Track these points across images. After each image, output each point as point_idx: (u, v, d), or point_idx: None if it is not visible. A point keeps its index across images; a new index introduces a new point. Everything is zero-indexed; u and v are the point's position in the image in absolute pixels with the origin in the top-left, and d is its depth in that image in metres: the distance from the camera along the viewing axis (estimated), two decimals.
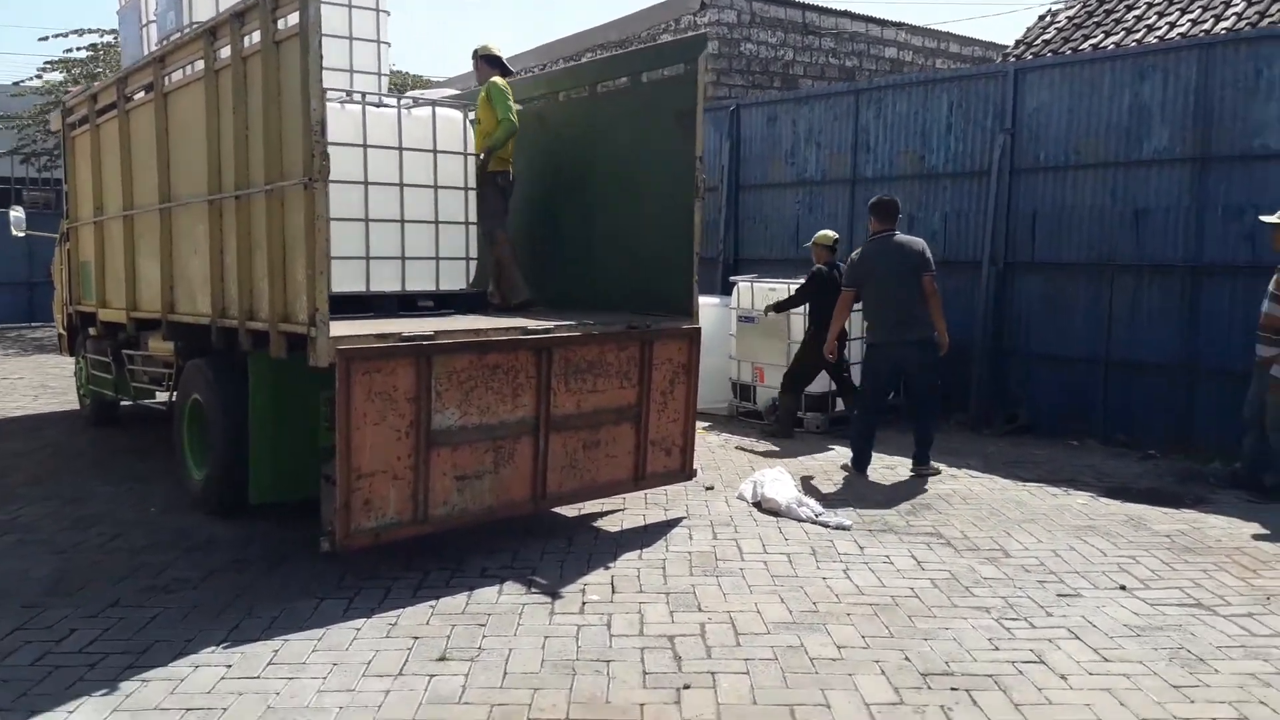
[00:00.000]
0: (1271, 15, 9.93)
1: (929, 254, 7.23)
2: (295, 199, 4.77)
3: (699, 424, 9.06)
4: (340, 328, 4.89)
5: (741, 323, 9.44)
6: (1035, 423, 8.81)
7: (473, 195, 6.62)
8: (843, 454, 7.98)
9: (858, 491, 6.85)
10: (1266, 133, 7.45)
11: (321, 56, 4.52)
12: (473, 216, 6.65)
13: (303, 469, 5.46)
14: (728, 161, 11.42)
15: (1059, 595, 4.84)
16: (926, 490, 6.89)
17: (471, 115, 7.17)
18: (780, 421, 8.72)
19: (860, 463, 7.39)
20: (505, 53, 7.21)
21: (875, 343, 7.35)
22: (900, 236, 7.37)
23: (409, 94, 8.01)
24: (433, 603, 4.73)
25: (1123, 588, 4.94)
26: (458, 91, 8.97)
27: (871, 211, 7.42)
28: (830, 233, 8.74)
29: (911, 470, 7.34)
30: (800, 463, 7.71)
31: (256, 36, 5.06)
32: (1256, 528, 5.96)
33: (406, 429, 4.82)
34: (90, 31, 18.95)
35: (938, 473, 7.32)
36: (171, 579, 5.12)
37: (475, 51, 7.09)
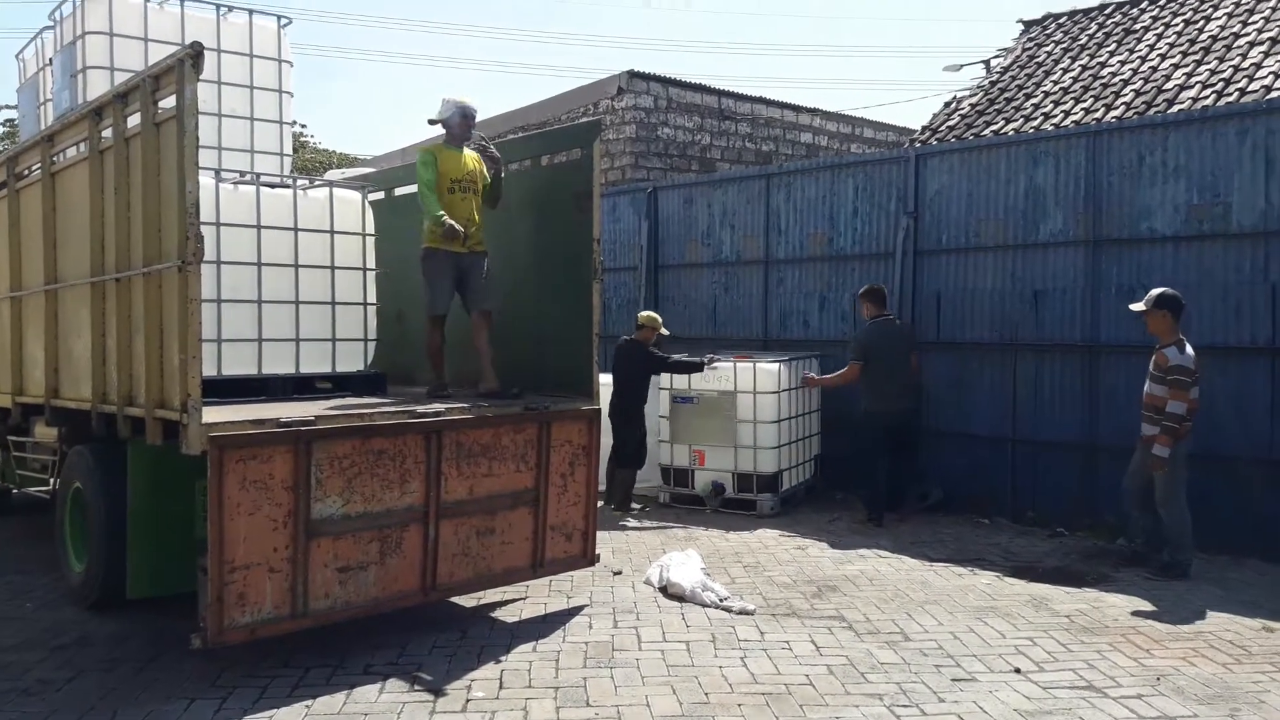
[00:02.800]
0: (1157, 105, 10.39)
1: (916, 337, 8.82)
2: (171, 281, 4.66)
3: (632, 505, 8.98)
4: (217, 413, 4.74)
5: (678, 404, 9.12)
6: (947, 501, 8.85)
7: (371, 276, 6.55)
8: (766, 535, 7.93)
9: (766, 573, 6.78)
10: (1152, 217, 7.72)
11: (198, 139, 4.45)
12: (371, 297, 6.57)
13: (183, 561, 5.25)
14: (646, 242, 11.51)
15: (953, 680, 4.79)
16: (836, 571, 6.84)
17: (375, 195, 7.14)
18: (620, 494, 8.99)
19: (877, 514, 8.45)
20: (429, 133, 7.15)
21: (877, 411, 8.48)
22: (897, 321, 8.78)
23: (330, 173, 7.95)
24: (309, 702, 4.52)
25: (1017, 671, 4.91)
26: (369, 170, 8.95)
27: (867, 299, 8.65)
28: (651, 314, 9.24)
29: (919, 504, 8.70)
30: (714, 544, 7.62)
31: (138, 118, 4.98)
32: (1152, 606, 6.00)
33: (284, 519, 4.65)
34: (9, 107, 18.77)
35: (928, 496, 8.78)
36: (35, 680, 4.85)
37: (470, 107, 6.44)
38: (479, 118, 6.58)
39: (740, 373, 8.81)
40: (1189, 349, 6.60)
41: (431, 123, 6.50)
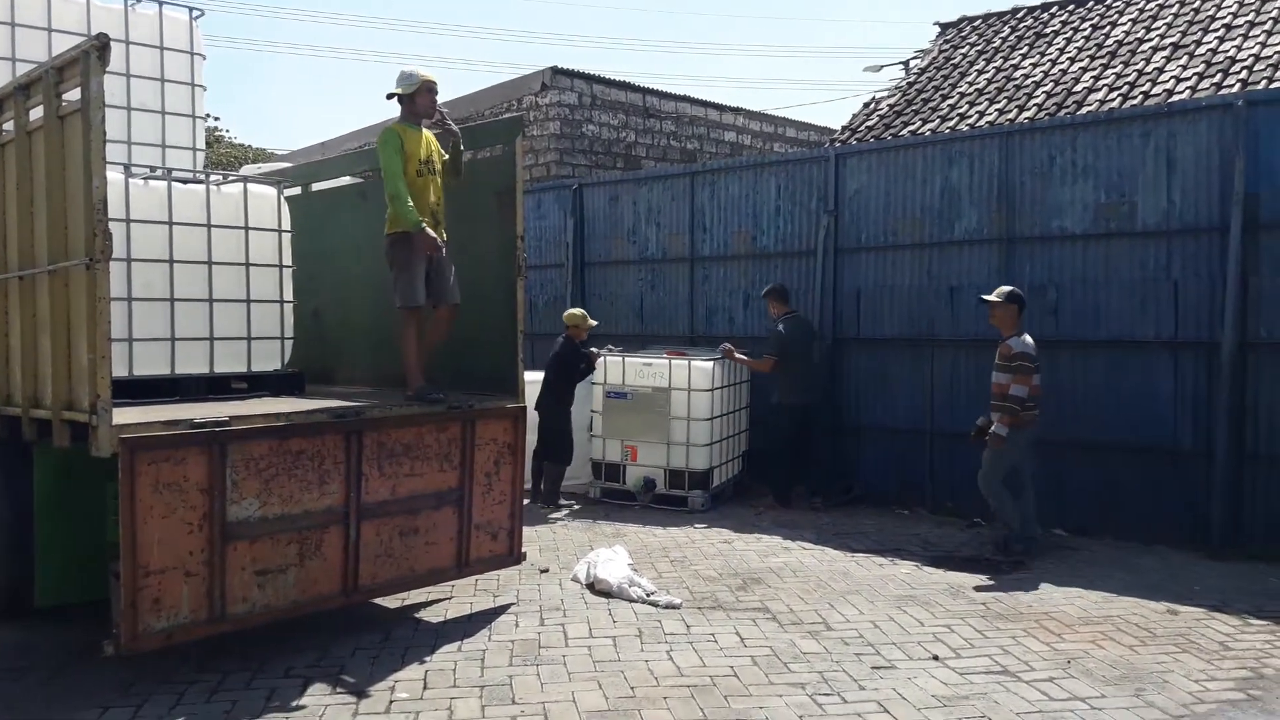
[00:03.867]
0: (1067, 107, 10.73)
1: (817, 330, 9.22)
2: (78, 280, 4.50)
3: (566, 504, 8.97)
4: (128, 414, 4.61)
5: (611, 399, 9.07)
6: (869, 493, 9.02)
7: (287, 273, 6.40)
8: (693, 530, 7.98)
9: (693, 567, 6.83)
10: (1063, 215, 7.96)
11: (105, 133, 4.31)
12: (288, 295, 6.42)
13: (93, 568, 5.13)
14: (572, 239, 11.49)
15: (874, 668, 4.89)
16: (761, 563, 6.92)
17: (291, 190, 7.01)
18: (549, 489, 9.03)
19: (784, 499, 8.89)
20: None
21: (796, 404, 8.83)
22: (802, 315, 9.09)
23: (246, 168, 7.73)
24: (228, 706, 4.44)
25: (935, 657, 5.03)
26: (285, 165, 8.77)
27: (776, 297, 8.98)
28: (574, 311, 9.36)
29: (843, 496, 8.95)
30: (641, 540, 7.64)
31: (41, 111, 4.81)
32: (1064, 592, 6.20)
33: (199, 522, 4.54)
34: None
35: (851, 489, 9.05)
36: None
37: (434, 82, 6.00)
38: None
39: (675, 369, 8.83)
40: (1028, 339, 7.04)
41: (390, 97, 6.00)
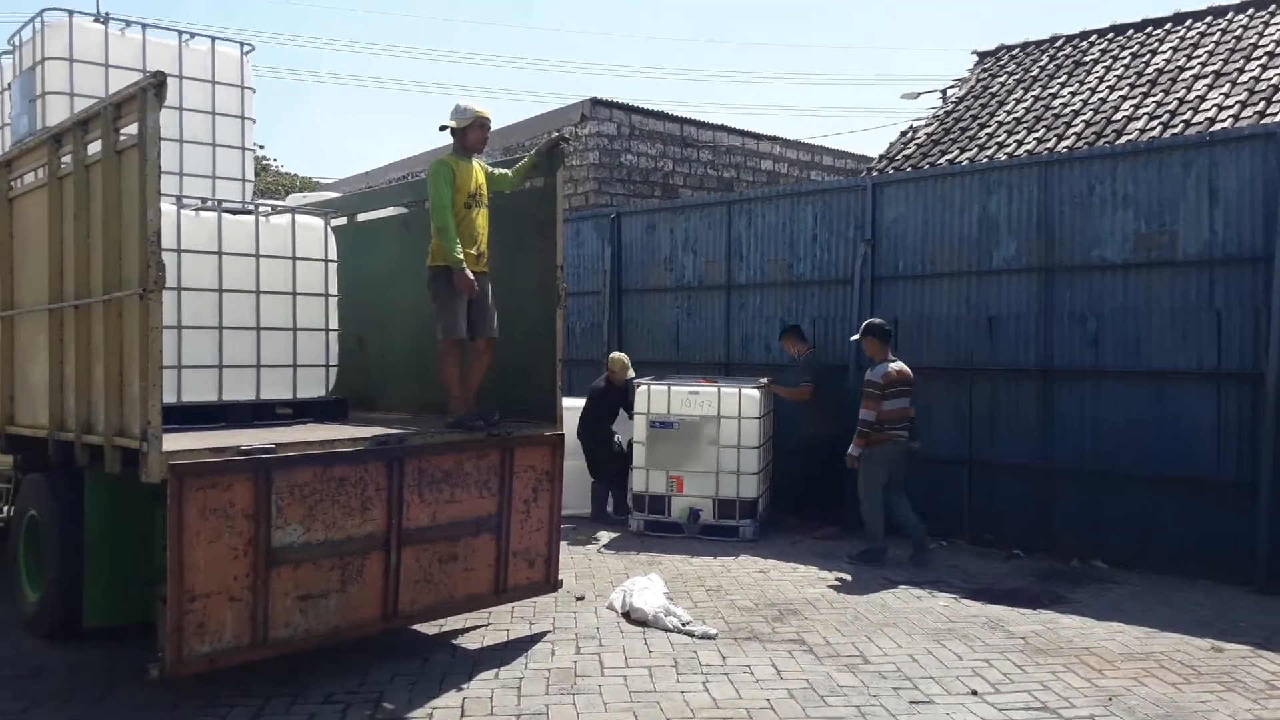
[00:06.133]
0: (1106, 136, 10.68)
1: None
2: (131, 309, 4.64)
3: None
4: (176, 441, 4.72)
5: (656, 429, 8.87)
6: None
7: (333, 302, 6.53)
8: (729, 560, 7.97)
9: (729, 597, 6.82)
10: (1103, 245, 7.92)
11: (160, 167, 4.46)
12: (334, 323, 6.55)
13: (140, 590, 5.21)
14: (610, 267, 11.59)
15: (911, 702, 4.86)
16: (797, 594, 6.90)
17: (338, 220, 7.16)
18: (617, 505, 9.52)
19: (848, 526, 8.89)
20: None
21: (829, 435, 8.74)
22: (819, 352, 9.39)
23: (293, 197, 7.89)
24: None
25: (974, 693, 4.99)
26: (332, 194, 8.94)
27: (798, 336, 9.30)
28: (618, 357, 9.64)
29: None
30: (677, 569, 7.65)
31: (99, 145, 4.97)
32: (1106, 626, 6.12)
33: (244, 547, 4.63)
34: None
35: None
36: None
37: (488, 117, 6.17)
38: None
39: (724, 397, 8.76)
40: (889, 367, 7.77)
41: (442, 129, 6.16)
